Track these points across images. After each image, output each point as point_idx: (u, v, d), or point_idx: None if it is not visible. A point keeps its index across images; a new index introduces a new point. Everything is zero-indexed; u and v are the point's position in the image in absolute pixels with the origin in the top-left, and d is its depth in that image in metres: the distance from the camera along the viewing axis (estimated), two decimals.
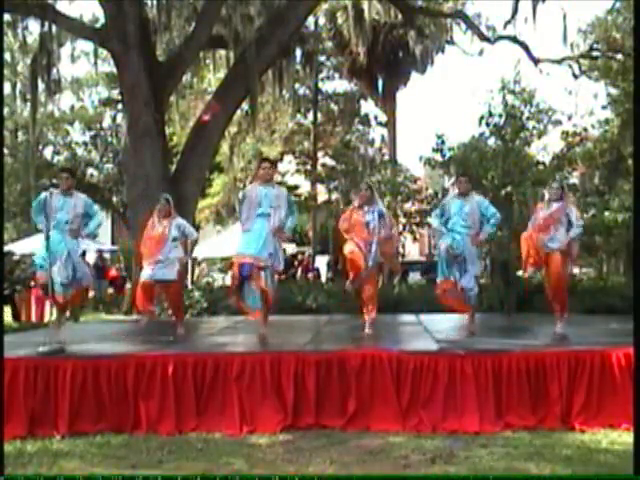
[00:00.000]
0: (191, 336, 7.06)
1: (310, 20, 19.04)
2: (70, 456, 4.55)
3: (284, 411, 5.16)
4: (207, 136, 13.93)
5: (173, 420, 5.16)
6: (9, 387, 5.13)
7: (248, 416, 5.15)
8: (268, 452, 4.58)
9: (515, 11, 16.26)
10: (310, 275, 18.28)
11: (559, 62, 19.28)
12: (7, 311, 11.92)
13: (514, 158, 11.30)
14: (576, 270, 14.99)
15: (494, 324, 8.17)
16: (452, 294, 6.65)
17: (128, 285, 15.32)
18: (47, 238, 5.79)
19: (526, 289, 9.77)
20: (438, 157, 12.33)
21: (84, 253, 14.81)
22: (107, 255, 20.46)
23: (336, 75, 25.70)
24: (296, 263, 19.12)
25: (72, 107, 29.82)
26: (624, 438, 4.73)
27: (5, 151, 25.02)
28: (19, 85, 24.38)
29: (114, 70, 15.96)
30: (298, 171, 26.93)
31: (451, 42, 21.47)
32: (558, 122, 12.45)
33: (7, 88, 23.61)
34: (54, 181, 6.18)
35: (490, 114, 11.74)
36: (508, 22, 16.71)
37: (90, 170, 27.35)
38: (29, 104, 18.05)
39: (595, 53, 19.49)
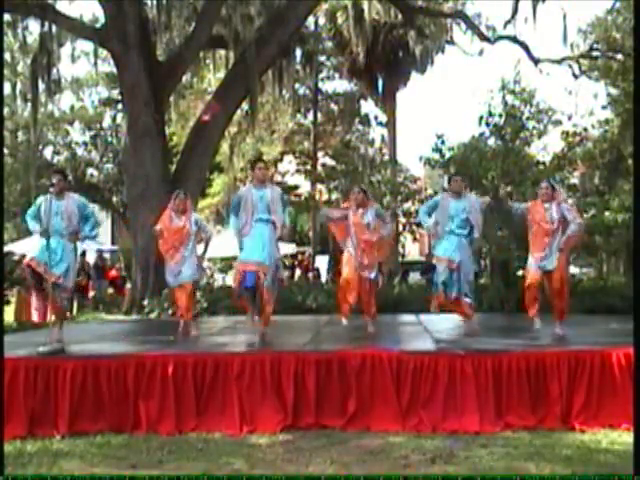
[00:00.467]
0: (191, 336, 7.05)
1: (310, 20, 19.06)
2: (70, 456, 4.55)
3: (284, 411, 5.16)
4: (207, 136, 13.93)
5: (173, 420, 5.16)
6: (9, 387, 5.13)
7: (248, 416, 5.15)
8: (268, 452, 4.58)
9: (515, 11, 16.29)
10: (310, 275, 18.30)
11: (559, 62, 19.30)
12: (7, 311, 11.90)
13: (514, 158, 11.31)
14: (576, 270, 15.01)
15: (494, 324, 8.16)
16: (448, 306, 6.68)
17: (128, 285, 15.31)
18: (47, 238, 5.79)
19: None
20: (438, 157, 12.33)
21: (84, 253, 14.86)
22: (107, 255, 20.45)
23: (336, 75, 25.73)
24: (296, 263, 19.13)
25: (72, 107, 29.84)
26: (624, 438, 4.74)
27: (5, 151, 25.00)
28: (19, 85, 24.42)
29: (114, 70, 15.98)
30: (298, 171, 26.94)
31: (451, 42, 21.49)
32: (558, 122, 12.46)
33: (7, 88, 23.65)
34: (53, 181, 6.13)
35: (490, 114, 11.75)
36: (508, 22, 16.75)
37: (90, 170, 27.35)
38: (29, 104, 18.08)
39: (595, 53, 19.51)
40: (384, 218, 6.85)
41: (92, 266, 16.02)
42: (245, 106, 17.31)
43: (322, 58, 24.06)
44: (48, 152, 29.21)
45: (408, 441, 4.76)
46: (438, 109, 67.24)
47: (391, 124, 24.23)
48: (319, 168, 24.43)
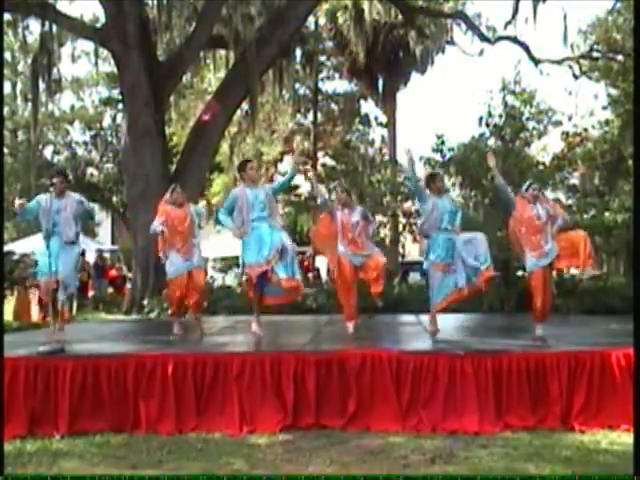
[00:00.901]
0: (191, 336, 7.05)
1: (310, 20, 19.06)
2: (70, 456, 4.55)
3: (284, 411, 5.16)
4: (207, 136, 13.94)
5: (173, 420, 5.15)
6: (9, 387, 5.13)
7: (248, 416, 5.15)
8: (268, 452, 4.58)
9: (515, 11, 16.30)
10: (310, 275, 18.27)
11: (559, 63, 19.32)
12: (7, 311, 11.91)
13: (514, 159, 11.30)
14: (576, 270, 14.99)
15: (494, 324, 8.16)
16: (465, 296, 6.63)
17: (128, 285, 15.31)
18: (47, 238, 5.79)
19: (526, 289, 9.74)
20: (438, 157, 12.33)
21: (84, 253, 14.87)
22: (107, 255, 20.44)
23: (336, 75, 25.70)
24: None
25: (72, 107, 29.84)
26: (624, 439, 4.74)
27: (5, 151, 25.00)
28: (19, 85, 24.44)
29: (114, 70, 16.00)
30: (298, 171, 26.91)
31: (451, 42, 21.47)
32: (558, 123, 12.48)
33: (7, 88, 23.69)
34: (54, 182, 6.15)
35: (490, 114, 11.74)
36: (508, 22, 16.77)
37: (90, 170, 27.33)
38: (30, 104, 18.08)
39: (595, 54, 19.54)
40: (368, 217, 6.89)
41: (92, 266, 16.03)
42: (245, 106, 17.33)
43: (322, 58, 24.04)
44: (48, 152, 29.22)
45: (408, 441, 4.76)
46: (438, 109, 67.09)
47: (391, 124, 24.22)
48: (319, 168, 24.40)
